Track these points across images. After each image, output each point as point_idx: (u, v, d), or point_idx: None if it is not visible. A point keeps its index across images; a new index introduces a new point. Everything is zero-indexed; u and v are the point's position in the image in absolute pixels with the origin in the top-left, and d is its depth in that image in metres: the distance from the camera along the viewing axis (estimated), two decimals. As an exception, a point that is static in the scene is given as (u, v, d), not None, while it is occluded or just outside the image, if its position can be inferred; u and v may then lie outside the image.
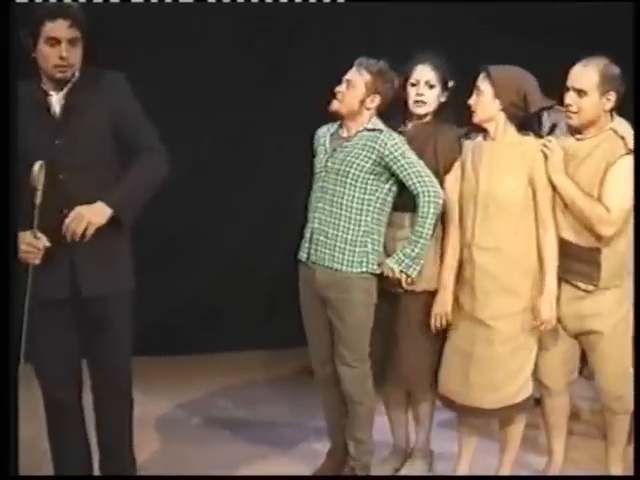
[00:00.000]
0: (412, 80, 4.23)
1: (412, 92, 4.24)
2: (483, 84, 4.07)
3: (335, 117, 4.21)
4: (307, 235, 4.21)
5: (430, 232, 4.05)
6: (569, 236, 4.08)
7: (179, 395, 5.44)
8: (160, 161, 3.74)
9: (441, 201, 4.06)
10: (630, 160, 4.00)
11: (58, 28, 3.55)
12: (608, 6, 5.66)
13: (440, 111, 4.27)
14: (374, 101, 4.14)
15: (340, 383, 4.21)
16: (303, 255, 4.23)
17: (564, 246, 4.08)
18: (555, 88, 4.06)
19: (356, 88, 4.11)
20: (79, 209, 3.55)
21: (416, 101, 4.23)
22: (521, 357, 4.13)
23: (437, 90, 4.24)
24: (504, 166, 4.06)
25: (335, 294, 4.12)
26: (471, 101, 4.10)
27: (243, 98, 6.02)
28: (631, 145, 4.01)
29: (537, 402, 4.34)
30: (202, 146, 5.95)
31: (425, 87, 4.22)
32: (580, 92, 3.99)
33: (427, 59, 4.25)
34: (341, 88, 4.14)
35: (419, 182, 4.04)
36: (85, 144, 3.64)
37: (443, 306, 4.17)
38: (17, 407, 3.63)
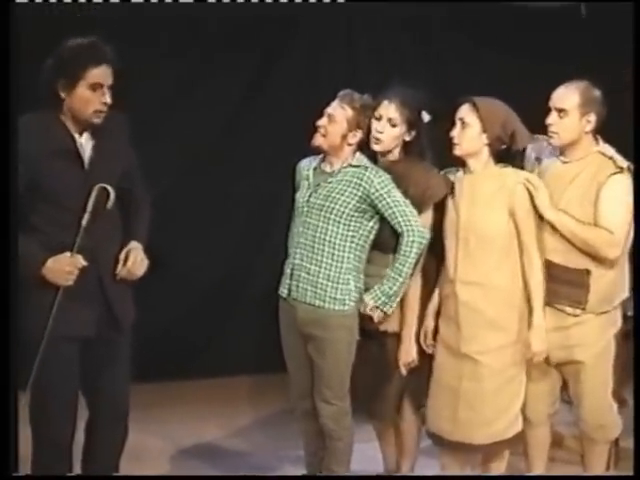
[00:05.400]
0: (376, 114, 4.12)
1: (373, 126, 4.12)
2: (469, 116, 4.01)
3: (316, 151, 4.13)
4: (288, 271, 4.15)
5: (410, 272, 4.02)
6: (556, 258, 4.06)
7: (159, 424, 5.37)
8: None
9: (425, 242, 4.02)
10: (622, 178, 4.01)
11: (103, 74, 3.55)
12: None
13: (410, 148, 4.16)
14: (356, 136, 4.06)
15: (319, 418, 4.17)
16: (284, 291, 4.16)
17: (551, 269, 4.05)
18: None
19: (338, 123, 4.03)
20: (140, 253, 3.66)
21: (374, 136, 4.13)
22: (510, 391, 4.09)
23: (400, 129, 4.12)
24: (484, 199, 4.02)
25: (317, 331, 4.07)
26: (454, 133, 4.04)
27: (227, 116, 5.95)
28: (622, 164, 4.02)
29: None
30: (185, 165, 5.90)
31: (386, 124, 4.11)
32: (561, 112, 4.05)
33: (395, 95, 4.11)
34: (323, 122, 4.06)
35: (404, 221, 3.99)
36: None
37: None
38: (17, 407, 3.59)
